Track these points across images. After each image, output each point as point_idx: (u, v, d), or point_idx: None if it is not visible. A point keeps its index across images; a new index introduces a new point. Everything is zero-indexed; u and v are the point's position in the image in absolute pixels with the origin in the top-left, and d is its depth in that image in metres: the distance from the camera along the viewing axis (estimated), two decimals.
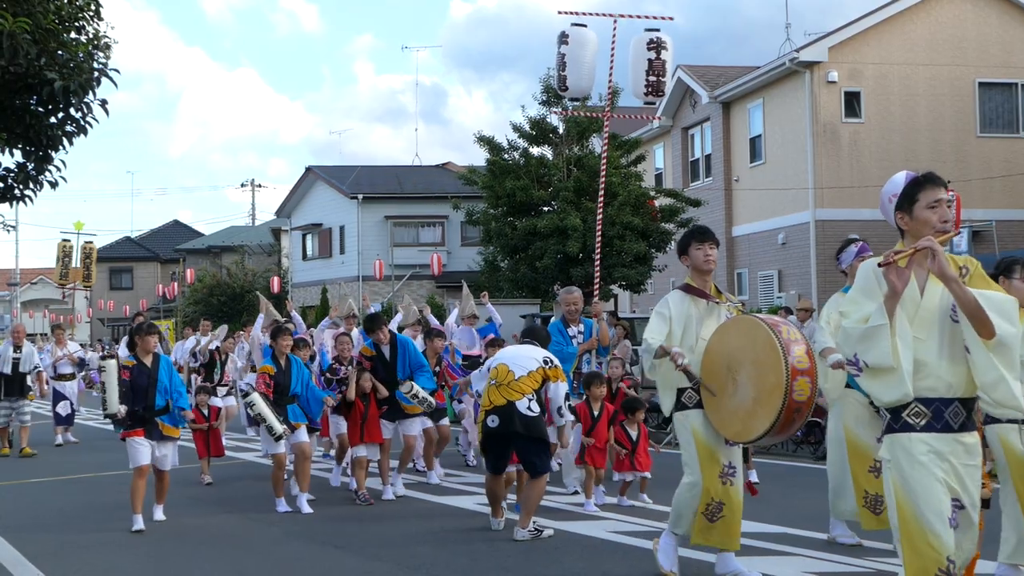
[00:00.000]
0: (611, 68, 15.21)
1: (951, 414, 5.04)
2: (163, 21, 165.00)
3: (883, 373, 5.01)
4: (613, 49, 14.99)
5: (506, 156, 28.31)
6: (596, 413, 11.05)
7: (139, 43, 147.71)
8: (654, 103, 16.13)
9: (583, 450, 10.93)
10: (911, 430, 5.02)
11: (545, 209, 27.60)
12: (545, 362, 9.53)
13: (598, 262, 15.59)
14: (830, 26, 27.10)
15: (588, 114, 25.66)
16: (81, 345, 22.64)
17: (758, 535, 8.93)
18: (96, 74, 12.04)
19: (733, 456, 7.49)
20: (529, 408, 9.28)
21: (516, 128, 28.19)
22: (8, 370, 17.29)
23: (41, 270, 78.20)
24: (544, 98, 27.85)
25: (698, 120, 31.99)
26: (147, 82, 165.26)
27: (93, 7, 12.45)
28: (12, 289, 63.15)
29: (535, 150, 28.54)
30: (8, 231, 14.21)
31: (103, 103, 12.33)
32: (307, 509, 10.82)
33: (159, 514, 10.55)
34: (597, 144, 28.37)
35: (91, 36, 12.43)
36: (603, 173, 16.15)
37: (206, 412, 13.36)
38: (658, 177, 33.92)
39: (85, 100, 12.12)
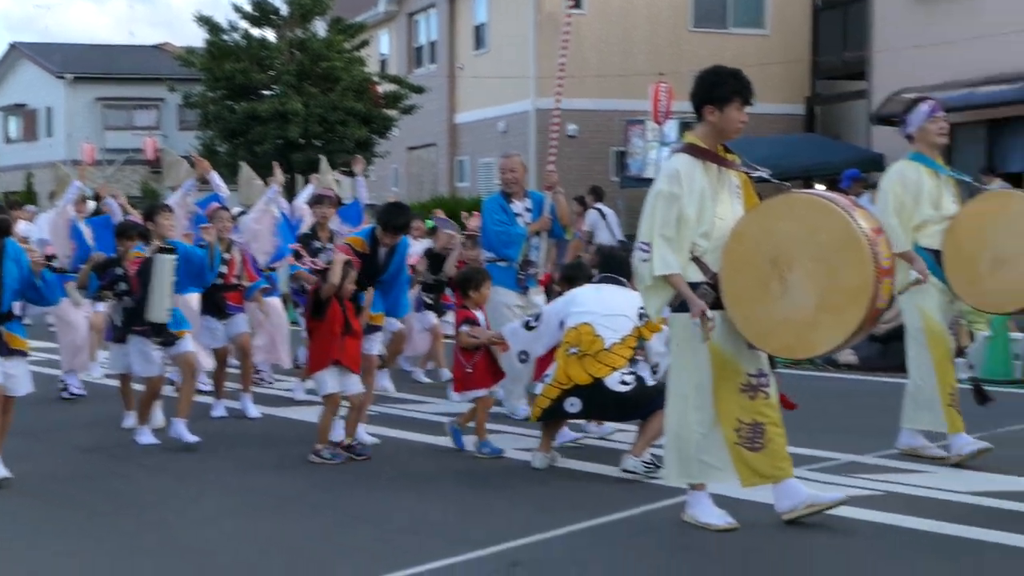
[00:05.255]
0: None
1: None
2: None
3: None
4: None
5: (226, 37, 27.55)
6: None
7: None
8: None
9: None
10: None
11: (266, 93, 27.25)
12: (641, 317, 7.37)
13: None
14: None
15: None
16: None
17: None
18: None
19: (760, 362, 5.89)
20: (623, 381, 7.29)
21: (237, 8, 27.44)
22: None
23: None
24: None
25: (424, 6, 32.04)
26: None
27: None
28: None
29: (256, 32, 27.95)
30: None
31: None
32: (188, 437, 8.42)
33: None
34: (321, 27, 28.06)
35: None
36: None
37: None
38: (383, 63, 33.83)
39: None
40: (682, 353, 5.93)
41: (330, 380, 7.93)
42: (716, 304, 5.77)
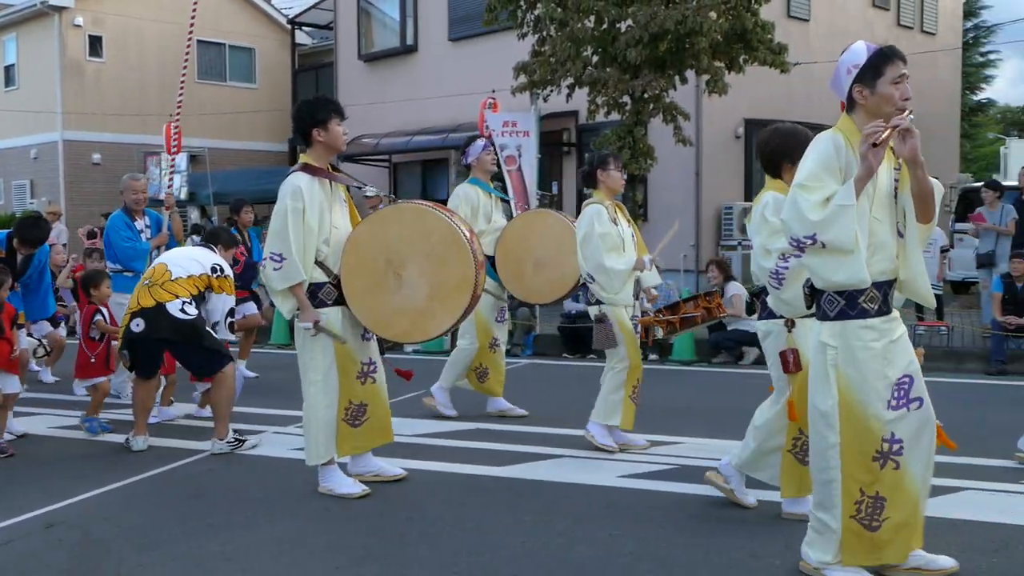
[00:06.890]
0: None
1: (890, 297, 4.55)
2: None
3: (837, 253, 4.36)
4: None
5: None
6: None
7: None
8: None
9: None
10: (866, 316, 4.46)
11: None
12: (214, 270, 7.83)
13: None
14: None
15: None
16: None
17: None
18: None
19: (372, 351, 6.43)
20: (183, 310, 7.52)
21: None
22: None
23: None
24: None
25: None
26: None
27: None
28: None
29: None
30: None
31: None
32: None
33: None
34: None
35: None
36: None
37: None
38: None
39: None
40: (311, 346, 6.23)
41: None
42: (340, 300, 6.18)
